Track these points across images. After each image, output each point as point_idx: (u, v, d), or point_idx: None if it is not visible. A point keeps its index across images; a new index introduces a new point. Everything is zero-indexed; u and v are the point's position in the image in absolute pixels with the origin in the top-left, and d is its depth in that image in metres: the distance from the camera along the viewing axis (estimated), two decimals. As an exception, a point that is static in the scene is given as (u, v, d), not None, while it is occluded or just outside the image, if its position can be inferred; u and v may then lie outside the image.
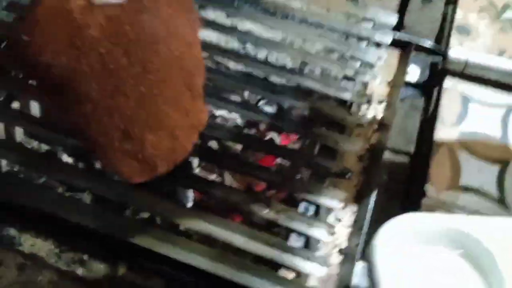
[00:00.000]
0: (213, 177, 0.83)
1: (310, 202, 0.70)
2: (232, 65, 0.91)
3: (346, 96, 0.81)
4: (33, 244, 0.76)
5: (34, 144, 0.85)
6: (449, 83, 0.93)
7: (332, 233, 0.67)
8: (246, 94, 0.98)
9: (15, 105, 0.83)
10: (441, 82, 0.94)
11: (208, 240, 0.74)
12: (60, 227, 0.73)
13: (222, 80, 0.83)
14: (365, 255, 0.53)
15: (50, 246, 0.76)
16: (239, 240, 0.63)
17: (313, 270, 0.63)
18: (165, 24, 0.54)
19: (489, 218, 0.52)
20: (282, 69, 0.87)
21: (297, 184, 0.71)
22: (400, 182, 0.87)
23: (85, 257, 0.76)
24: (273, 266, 0.64)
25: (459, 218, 0.50)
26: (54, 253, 0.76)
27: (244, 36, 0.89)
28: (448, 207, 0.77)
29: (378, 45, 0.88)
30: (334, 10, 0.93)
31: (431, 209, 0.76)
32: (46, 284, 0.74)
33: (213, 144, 0.87)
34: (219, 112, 0.90)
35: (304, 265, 0.63)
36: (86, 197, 0.79)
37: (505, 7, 1.04)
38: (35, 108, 0.84)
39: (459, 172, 0.81)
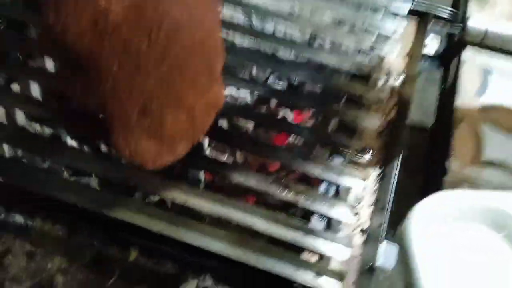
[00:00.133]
0: (224, 158, 0.80)
1: (329, 182, 0.67)
2: (238, 40, 0.86)
3: (363, 70, 0.77)
4: (41, 230, 0.73)
5: (37, 128, 0.81)
6: (468, 54, 0.89)
7: (355, 214, 0.64)
8: (254, 70, 0.94)
9: (15, 88, 0.79)
10: (459, 54, 0.90)
11: (221, 223, 0.71)
12: (68, 213, 0.69)
13: (228, 56, 0.79)
14: (398, 234, 0.50)
15: (58, 232, 0.74)
16: (259, 223, 0.60)
17: (337, 252, 0.61)
18: (188, 11, 0.54)
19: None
20: (291, 43, 0.82)
21: (314, 163, 0.68)
22: (420, 158, 0.84)
23: (95, 242, 0.74)
24: (295, 249, 0.61)
25: (497, 196, 0.47)
26: (63, 239, 0.73)
27: (250, 9, 0.85)
28: (471, 183, 0.74)
29: (394, 15, 0.84)
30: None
31: (454, 185, 0.73)
32: (55, 272, 0.72)
33: (223, 123, 0.83)
34: (227, 91, 0.86)
35: (327, 247, 0.61)
36: (93, 181, 0.76)
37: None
38: (35, 90, 0.80)
39: (481, 146, 0.78)
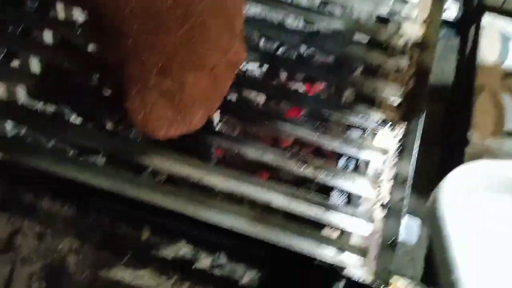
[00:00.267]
0: (235, 133, 0.77)
1: (348, 156, 0.65)
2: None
3: (380, 37, 0.73)
4: (50, 210, 0.71)
5: (39, 105, 0.78)
6: (487, 20, 0.85)
7: (376, 188, 0.62)
8: (261, 41, 0.90)
9: (15, 63, 0.75)
10: (478, 20, 0.86)
11: (238, 201, 0.69)
12: (78, 192, 0.67)
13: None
14: (428, 204, 0.48)
15: (68, 212, 0.72)
16: (278, 199, 0.58)
17: (358, 227, 0.59)
18: None
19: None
20: (300, 9, 0.78)
21: (332, 137, 0.65)
22: (437, 129, 0.81)
23: (106, 222, 0.72)
24: (315, 225, 0.59)
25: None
26: (73, 219, 0.71)
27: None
28: (493, 154, 0.71)
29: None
30: None
31: (475, 157, 0.71)
32: (67, 252, 0.70)
33: (233, 97, 0.80)
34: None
35: (348, 223, 0.59)
36: (100, 160, 0.74)
37: None
38: (35, 65, 0.76)
39: (503, 116, 0.75)
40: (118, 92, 0.61)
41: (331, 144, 0.64)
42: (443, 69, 0.85)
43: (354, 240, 0.60)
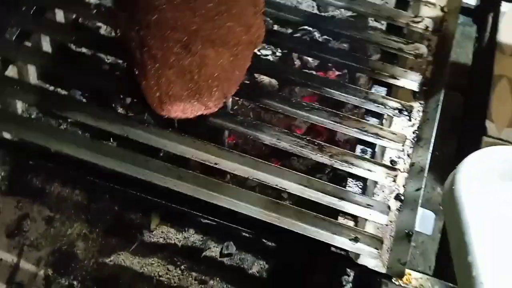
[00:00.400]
0: (249, 118, 0.75)
1: (365, 143, 0.63)
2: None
3: (400, 22, 0.71)
4: (60, 195, 0.70)
5: (50, 87, 0.76)
6: (508, 6, 0.82)
7: (392, 177, 0.60)
8: (276, 26, 0.88)
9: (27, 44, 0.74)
10: (496, 7, 0.83)
11: (252, 187, 0.68)
12: (87, 177, 0.65)
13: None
14: (446, 188, 0.47)
15: (77, 197, 0.71)
16: (294, 187, 0.57)
17: (374, 217, 0.58)
18: None
19: None
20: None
21: (348, 124, 0.63)
22: (454, 119, 0.80)
23: (116, 208, 0.71)
24: (329, 214, 0.58)
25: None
26: (82, 204, 0.70)
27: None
28: (510, 145, 0.70)
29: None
30: None
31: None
32: (76, 238, 0.69)
33: (247, 82, 0.78)
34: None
35: (364, 212, 0.57)
36: (112, 142, 0.72)
37: None
38: (46, 46, 0.75)
39: (522, 107, 0.73)
40: (132, 73, 0.60)
41: (348, 131, 0.63)
42: (460, 57, 0.84)
43: (369, 230, 0.59)
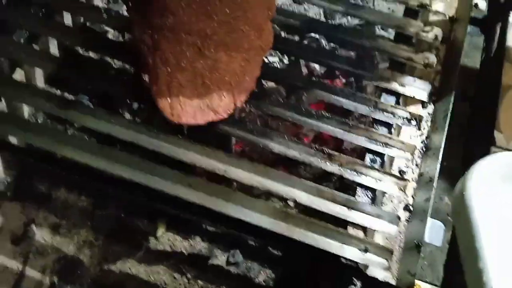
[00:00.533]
0: (257, 125, 0.75)
1: (373, 153, 0.63)
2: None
3: (409, 31, 0.71)
4: (66, 201, 0.69)
5: (57, 91, 0.76)
6: (514, 18, 0.82)
7: (403, 187, 0.60)
8: (283, 33, 0.88)
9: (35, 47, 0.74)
10: (504, 17, 0.83)
11: (259, 196, 0.68)
12: (94, 181, 0.65)
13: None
14: (456, 193, 0.46)
15: (83, 203, 0.70)
16: (302, 196, 0.56)
17: (383, 227, 0.57)
18: None
19: None
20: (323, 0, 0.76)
21: (356, 132, 0.63)
22: (462, 128, 0.79)
23: (122, 214, 0.71)
24: (337, 224, 0.58)
25: None
26: (88, 211, 0.70)
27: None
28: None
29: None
30: None
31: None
32: (81, 245, 0.68)
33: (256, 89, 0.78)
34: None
35: (374, 223, 0.57)
36: (119, 148, 0.71)
37: None
38: (54, 50, 0.74)
39: (530, 118, 0.73)
40: (140, 78, 0.60)
41: (357, 140, 0.63)
42: (467, 66, 0.83)
43: (378, 240, 0.58)
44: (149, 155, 0.61)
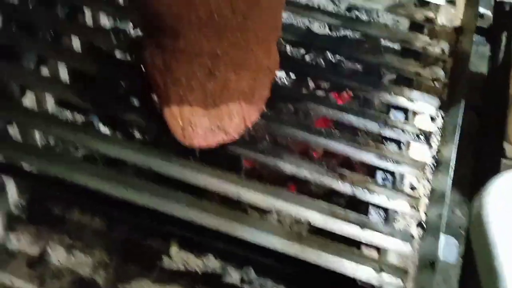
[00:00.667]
0: (266, 143, 0.75)
1: (384, 170, 0.63)
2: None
3: (415, 45, 0.71)
4: (80, 223, 0.70)
5: (68, 115, 0.77)
6: (521, 27, 0.82)
7: (415, 205, 0.60)
8: (288, 48, 0.88)
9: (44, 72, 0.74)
10: (510, 25, 0.83)
11: (269, 216, 0.68)
12: (107, 205, 0.66)
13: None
14: (474, 211, 0.47)
15: (97, 225, 0.71)
16: (315, 216, 0.57)
17: (397, 246, 0.57)
18: None
19: None
20: (327, 14, 0.76)
21: (366, 149, 0.63)
22: (470, 140, 0.79)
23: (135, 235, 0.71)
24: (349, 244, 0.58)
25: None
26: (102, 232, 0.70)
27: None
28: (530, 168, 0.69)
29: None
30: None
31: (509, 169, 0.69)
32: (96, 266, 0.69)
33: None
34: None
35: (387, 242, 0.57)
36: (128, 171, 0.72)
37: None
38: (64, 74, 0.75)
39: (540, 128, 0.73)
40: (150, 99, 0.60)
41: (368, 159, 0.63)
42: (474, 76, 0.83)
43: (392, 260, 0.58)
44: (161, 177, 0.62)
